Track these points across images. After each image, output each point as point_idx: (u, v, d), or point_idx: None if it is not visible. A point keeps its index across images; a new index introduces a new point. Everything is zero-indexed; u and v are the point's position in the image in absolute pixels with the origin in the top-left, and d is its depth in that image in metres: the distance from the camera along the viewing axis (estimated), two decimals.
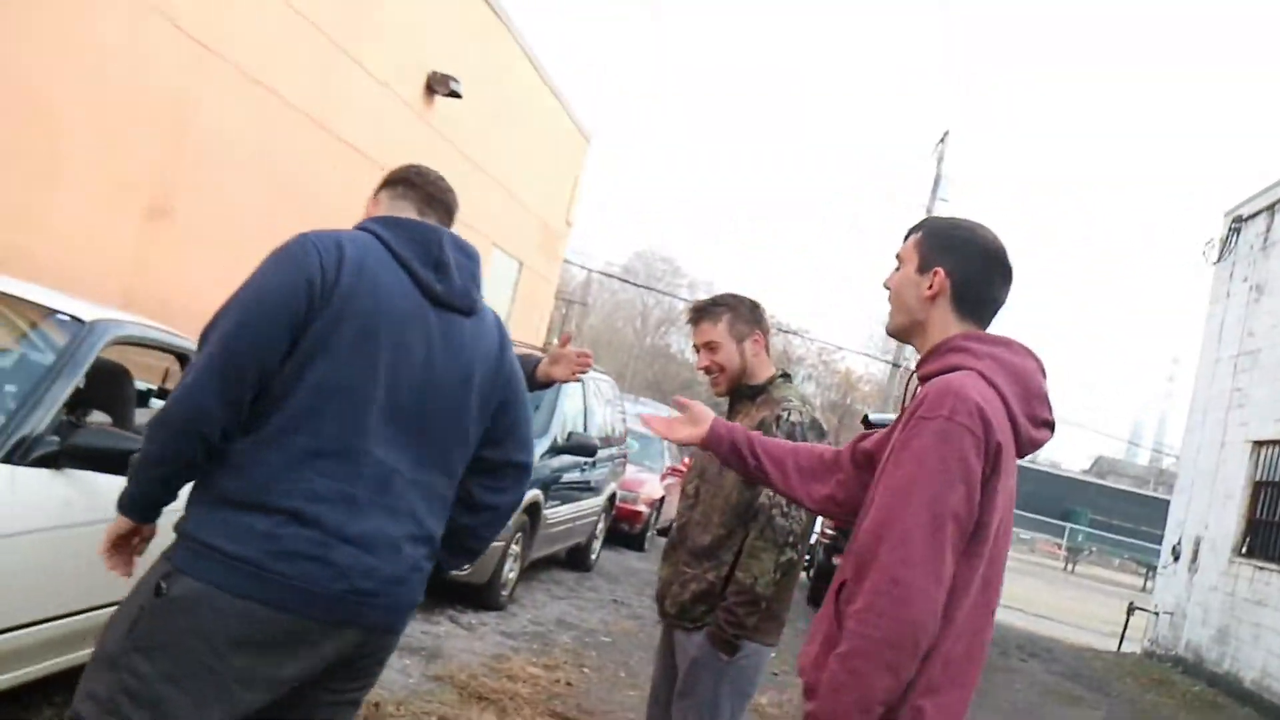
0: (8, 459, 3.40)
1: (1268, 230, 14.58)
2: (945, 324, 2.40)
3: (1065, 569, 39.34)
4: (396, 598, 2.44)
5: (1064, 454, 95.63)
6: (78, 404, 3.88)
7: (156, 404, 5.58)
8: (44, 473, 3.52)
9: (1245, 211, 15.51)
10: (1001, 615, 13.31)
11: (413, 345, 2.45)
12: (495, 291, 15.34)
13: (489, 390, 2.59)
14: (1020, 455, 2.31)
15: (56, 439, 3.58)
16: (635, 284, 49.81)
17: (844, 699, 2.11)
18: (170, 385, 5.67)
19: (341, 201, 10.36)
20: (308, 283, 2.35)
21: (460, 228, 10.25)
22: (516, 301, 15.95)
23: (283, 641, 2.31)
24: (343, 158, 10.28)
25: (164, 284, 8.02)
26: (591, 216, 58.91)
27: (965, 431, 2.15)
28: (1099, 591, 30.10)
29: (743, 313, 3.69)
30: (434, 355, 2.48)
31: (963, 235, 2.44)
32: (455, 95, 11.79)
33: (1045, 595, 22.83)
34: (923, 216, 2.58)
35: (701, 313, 3.73)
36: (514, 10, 13.55)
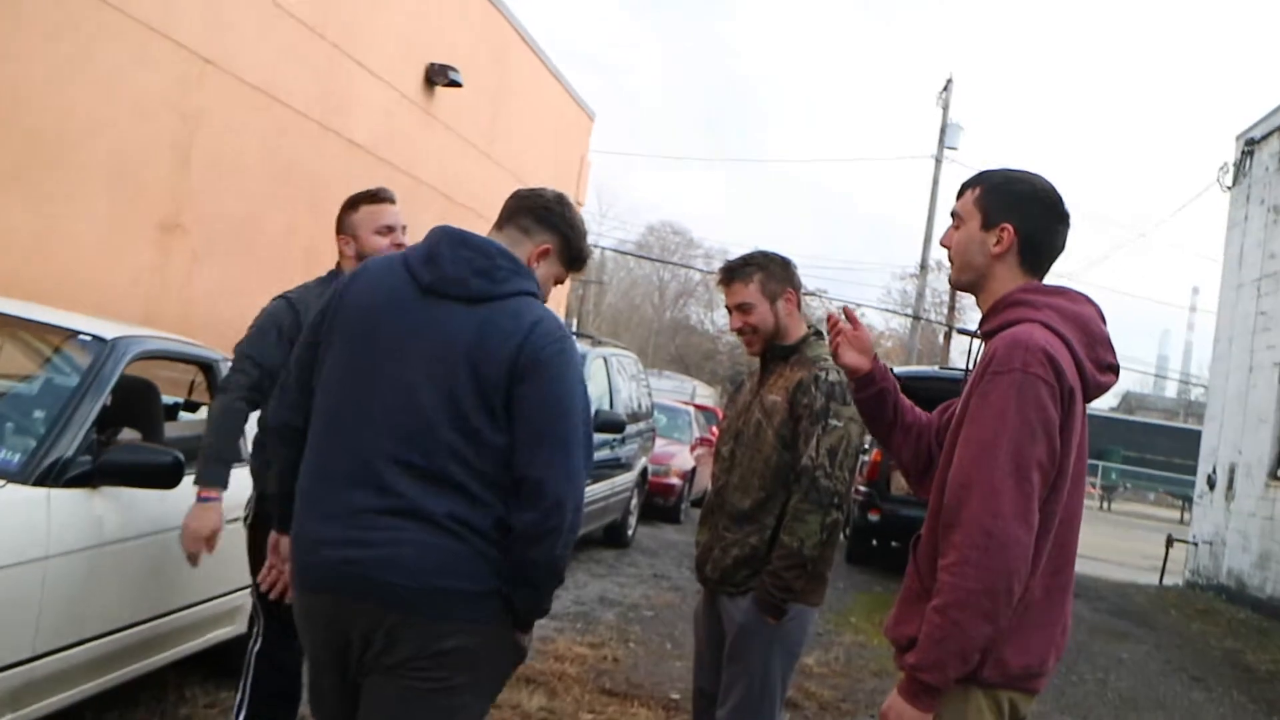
0: (42, 482, 3.45)
1: None
2: (1011, 278, 2.45)
3: (1101, 507, 39.18)
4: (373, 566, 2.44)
5: None
6: (107, 422, 3.93)
7: (185, 417, 5.64)
8: (79, 493, 3.58)
9: (1257, 134, 15.35)
10: None
11: (390, 327, 2.55)
12: None
13: (495, 376, 2.48)
14: (1088, 400, 2.36)
15: (89, 458, 3.63)
16: (650, 258, 49.82)
17: (946, 648, 2.21)
18: (197, 396, 5.72)
19: None
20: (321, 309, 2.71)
21: (471, 215, 10.34)
22: None
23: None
24: (350, 157, 10.31)
25: (183, 298, 8.09)
26: (602, 195, 58.85)
27: (1039, 381, 2.22)
28: (1137, 527, 30.00)
29: (774, 271, 3.63)
30: (416, 335, 2.53)
31: (1024, 190, 2.47)
32: (455, 84, 11.79)
33: (1084, 535, 22.43)
34: (979, 171, 2.57)
35: (733, 273, 3.66)
36: None
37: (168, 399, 5.53)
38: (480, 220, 13.60)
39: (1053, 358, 2.25)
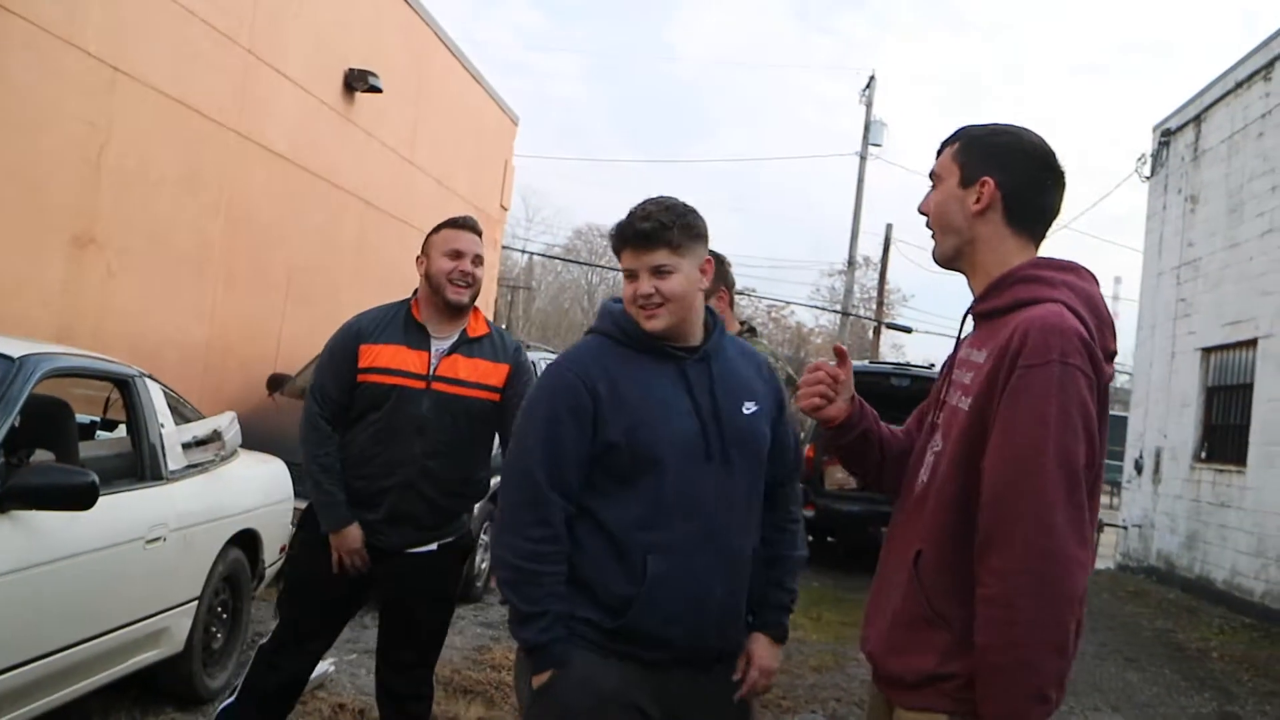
0: None
1: (1196, 141, 14.73)
2: (999, 241, 2.17)
3: None
4: None
5: None
6: (17, 444, 3.79)
7: (102, 435, 5.48)
8: None
9: (1173, 124, 15.65)
10: None
11: None
12: None
13: None
14: None
15: None
16: (579, 262, 49.71)
17: (1020, 691, 1.91)
18: (113, 414, 5.56)
19: (269, 209, 10.23)
20: None
21: (394, 222, 10.23)
22: None
23: None
24: (268, 164, 10.12)
25: (97, 314, 7.86)
26: (529, 200, 58.52)
27: (1079, 374, 1.95)
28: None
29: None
30: None
31: (1007, 140, 2.20)
32: (375, 90, 11.62)
33: None
34: (959, 127, 2.29)
35: None
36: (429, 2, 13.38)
37: (83, 418, 5.37)
38: (404, 225, 13.47)
39: (1089, 345, 1.98)
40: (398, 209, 13.17)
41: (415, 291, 3.88)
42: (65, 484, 3.55)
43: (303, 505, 4.03)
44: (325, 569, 3.69)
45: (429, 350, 3.72)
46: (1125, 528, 15.96)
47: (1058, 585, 1.90)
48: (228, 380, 9.62)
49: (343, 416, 3.73)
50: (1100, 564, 15.98)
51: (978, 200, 2.16)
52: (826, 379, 2.36)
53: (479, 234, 3.92)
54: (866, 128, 30.62)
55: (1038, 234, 2.20)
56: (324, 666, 5.49)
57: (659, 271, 2.55)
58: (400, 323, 3.76)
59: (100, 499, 3.65)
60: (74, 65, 7.38)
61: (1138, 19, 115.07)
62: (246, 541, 5.36)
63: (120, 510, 4.18)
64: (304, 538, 3.89)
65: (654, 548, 2.49)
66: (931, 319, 77.66)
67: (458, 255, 3.77)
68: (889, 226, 33.12)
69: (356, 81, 11.47)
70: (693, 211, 2.63)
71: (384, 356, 3.68)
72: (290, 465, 6.27)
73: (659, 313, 2.55)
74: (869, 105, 30.89)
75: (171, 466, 4.75)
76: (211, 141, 9.15)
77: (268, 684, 3.74)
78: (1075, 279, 2.11)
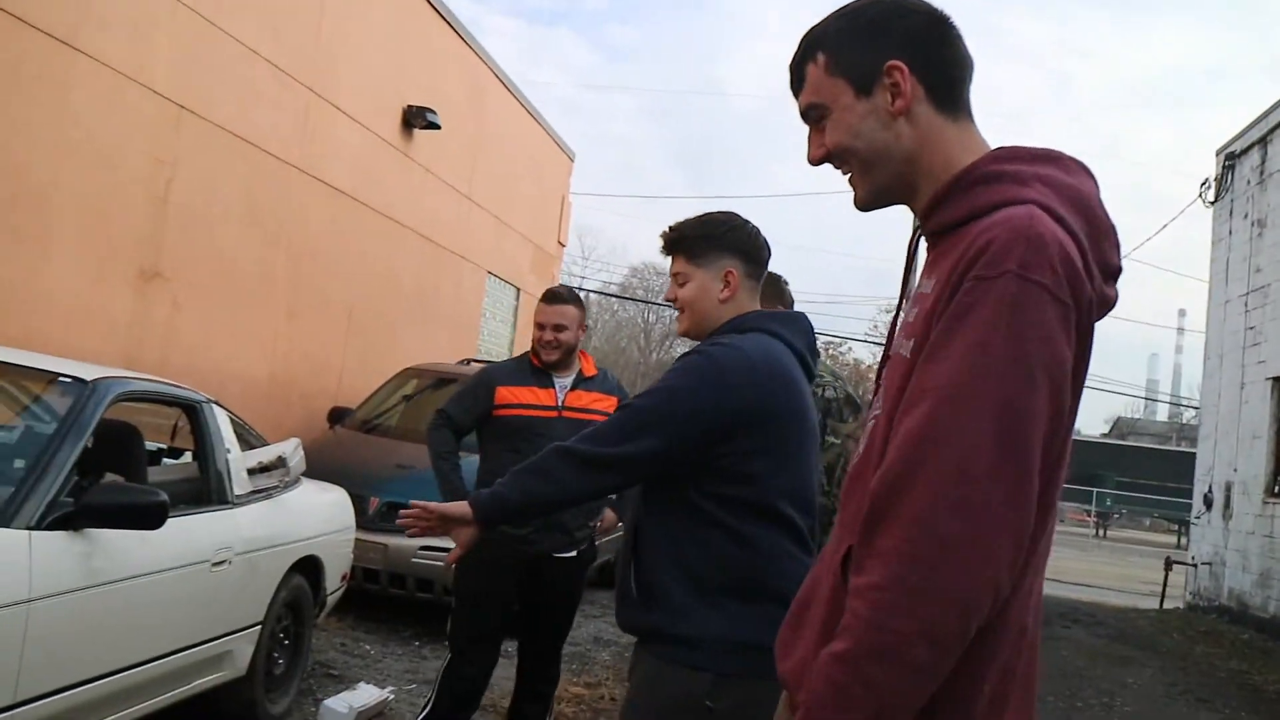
0: (22, 524, 3.34)
1: (1263, 163, 14.47)
2: (938, 136, 1.60)
3: (1096, 535, 39.03)
4: None
5: (1082, 419, 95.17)
6: (89, 466, 3.82)
7: (169, 463, 5.53)
8: (61, 535, 3.46)
9: (1237, 147, 15.40)
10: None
11: None
12: (495, 319, 15.29)
13: None
14: (1094, 321, 1.50)
15: (71, 500, 3.53)
16: (635, 299, 49.81)
17: (849, 713, 1.36)
18: (180, 442, 5.61)
19: (330, 243, 10.34)
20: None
21: (452, 257, 10.32)
22: (518, 327, 15.90)
23: None
24: (329, 200, 10.25)
25: (162, 346, 7.97)
26: (584, 237, 58.82)
27: (1045, 296, 1.38)
28: (1133, 553, 29.90)
29: (765, 290, 3.60)
30: None
31: (877, 11, 1.63)
32: (434, 126, 11.75)
33: (1079, 564, 22.60)
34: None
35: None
36: (485, 38, 13.54)
37: (151, 445, 5.42)
38: (464, 261, 13.56)
39: (1068, 257, 1.41)
40: (456, 244, 13.28)
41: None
42: (136, 503, 3.58)
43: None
44: (487, 580, 4.45)
45: (554, 387, 4.64)
46: (1195, 565, 15.59)
47: (945, 580, 1.32)
48: (289, 413, 9.70)
49: (462, 437, 4.70)
50: (1169, 603, 15.63)
51: (897, 96, 1.59)
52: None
53: (566, 302, 4.67)
54: None
55: (966, 107, 1.65)
56: (383, 694, 5.48)
57: (677, 278, 2.72)
58: (526, 370, 4.68)
59: (168, 521, 3.67)
60: (141, 103, 7.53)
61: (1195, 42, 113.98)
62: (309, 568, 5.37)
63: (187, 532, 4.20)
64: (464, 558, 4.24)
65: None
66: None
67: (540, 327, 4.65)
68: None
69: (415, 118, 11.60)
70: (720, 223, 2.70)
71: (519, 395, 4.59)
72: (352, 496, 6.30)
73: (681, 319, 2.75)
74: None
75: (237, 491, 4.78)
76: (274, 177, 9.29)
77: (457, 690, 4.45)
78: (1055, 171, 1.54)
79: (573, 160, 17.89)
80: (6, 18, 6.32)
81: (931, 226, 1.60)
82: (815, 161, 1.68)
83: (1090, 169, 1.60)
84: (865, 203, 1.69)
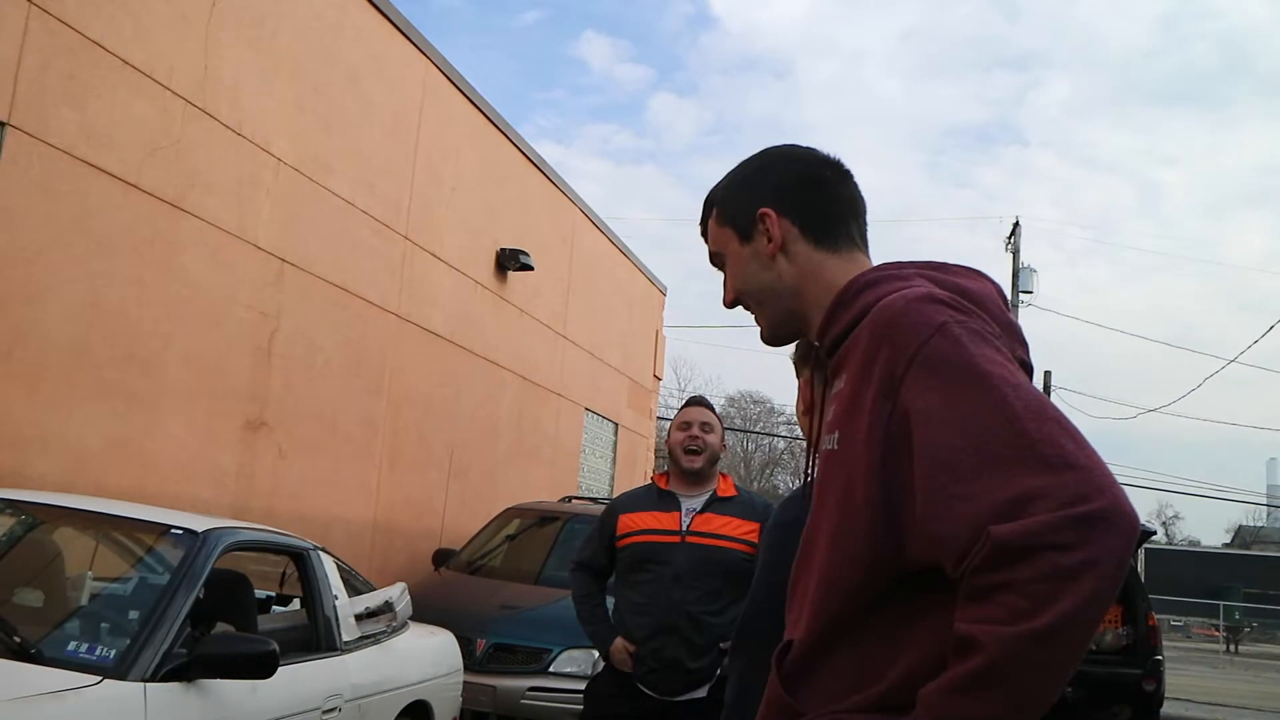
0: (138, 677, 3.37)
1: None
2: (817, 268, 1.71)
3: (1227, 650, 37.27)
4: None
5: (1200, 530, 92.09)
6: (201, 616, 3.86)
7: (278, 610, 5.57)
8: (175, 686, 3.48)
9: None
10: (1172, 708, 12.50)
11: None
12: (595, 454, 15.32)
13: None
14: None
15: (184, 651, 3.56)
16: (734, 429, 49.64)
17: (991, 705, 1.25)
18: (288, 589, 5.65)
19: (429, 387, 10.50)
20: None
21: (550, 395, 10.43)
22: (617, 462, 15.90)
23: None
24: (427, 344, 10.44)
25: (269, 494, 8.10)
26: (679, 369, 59.08)
27: (974, 327, 1.43)
28: (1270, 669, 28.47)
29: None
30: None
31: (755, 165, 1.81)
32: (527, 268, 11.99)
33: (1213, 682, 21.56)
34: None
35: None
36: (574, 179, 13.85)
37: (260, 593, 5.47)
38: (561, 400, 13.67)
39: (955, 298, 1.48)
40: (552, 382, 13.41)
41: (656, 467, 4.47)
42: (248, 652, 3.60)
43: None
44: (617, 710, 4.18)
45: (680, 510, 4.28)
46: None
47: (1112, 532, 1.22)
48: (393, 557, 9.75)
49: (604, 577, 4.47)
50: None
51: (769, 241, 1.72)
52: None
53: (709, 407, 4.50)
54: (1015, 275, 30.21)
55: (856, 239, 1.75)
56: None
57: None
58: (652, 495, 4.39)
59: (278, 669, 3.68)
60: (245, 259, 7.80)
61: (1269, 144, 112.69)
62: (419, 712, 5.32)
63: (297, 680, 4.20)
64: (592, 689, 4.44)
65: None
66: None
67: (686, 425, 4.36)
68: (1047, 374, 32.33)
69: (509, 261, 11.84)
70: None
71: (640, 521, 4.30)
72: (459, 638, 6.27)
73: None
74: (1015, 252, 30.56)
75: (345, 637, 4.78)
76: (373, 325, 9.50)
77: None
78: (939, 274, 1.58)
79: (665, 294, 18.07)
80: (121, 185, 6.62)
81: (828, 344, 1.64)
82: (728, 304, 1.84)
83: (990, 276, 1.64)
84: (768, 337, 1.81)
